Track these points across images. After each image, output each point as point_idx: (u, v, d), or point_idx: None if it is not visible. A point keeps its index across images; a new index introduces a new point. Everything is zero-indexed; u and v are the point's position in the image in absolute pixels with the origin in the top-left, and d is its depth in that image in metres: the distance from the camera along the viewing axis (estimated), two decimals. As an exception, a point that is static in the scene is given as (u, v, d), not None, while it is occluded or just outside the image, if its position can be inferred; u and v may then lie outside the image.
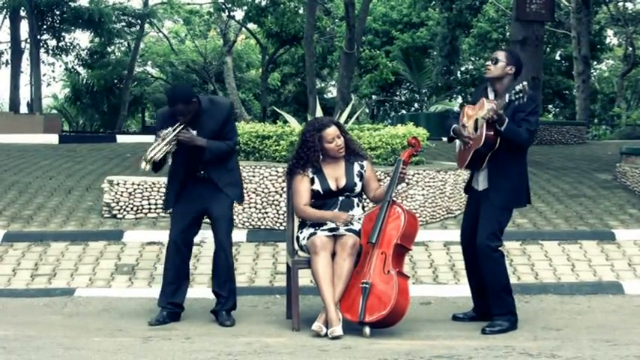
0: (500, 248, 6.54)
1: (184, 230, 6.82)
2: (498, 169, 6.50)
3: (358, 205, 6.70)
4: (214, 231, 6.84)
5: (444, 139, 6.93)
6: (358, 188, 6.69)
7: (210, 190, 6.75)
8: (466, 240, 6.80)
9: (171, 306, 6.83)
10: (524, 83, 6.21)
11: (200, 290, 7.85)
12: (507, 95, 6.24)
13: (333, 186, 6.63)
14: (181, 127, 6.60)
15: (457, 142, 6.75)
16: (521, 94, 6.17)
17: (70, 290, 8.03)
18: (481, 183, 6.62)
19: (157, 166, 6.71)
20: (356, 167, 6.72)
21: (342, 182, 6.65)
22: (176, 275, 6.85)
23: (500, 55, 6.65)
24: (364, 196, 6.84)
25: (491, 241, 6.47)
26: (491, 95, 6.63)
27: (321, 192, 6.62)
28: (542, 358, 5.43)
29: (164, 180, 9.87)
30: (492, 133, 6.35)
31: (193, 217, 6.84)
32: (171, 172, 6.89)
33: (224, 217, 6.80)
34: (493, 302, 6.53)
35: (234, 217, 9.36)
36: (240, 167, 9.46)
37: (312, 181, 6.65)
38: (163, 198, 7.17)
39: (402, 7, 41.02)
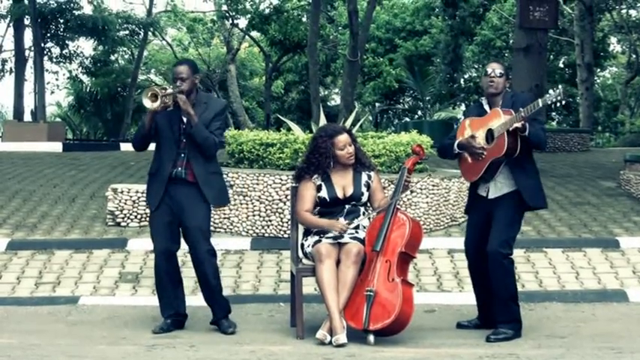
0: (510, 256, 6.55)
1: (168, 240, 6.76)
2: (521, 171, 6.52)
3: (364, 214, 6.70)
4: (188, 242, 6.78)
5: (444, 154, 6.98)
6: (365, 198, 6.69)
7: (188, 198, 6.68)
8: (472, 250, 6.78)
9: (176, 315, 6.83)
10: (560, 87, 6.27)
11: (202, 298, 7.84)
12: (541, 100, 6.28)
13: (340, 194, 6.63)
14: (180, 91, 6.61)
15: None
16: (559, 97, 6.22)
17: (74, 298, 8.03)
18: (492, 190, 6.59)
19: (145, 139, 6.74)
20: (364, 177, 6.72)
21: (350, 191, 6.65)
22: (172, 284, 6.82)
23: (501, 68, 6.67)
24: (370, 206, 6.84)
25: (503, 248, 6.47)
26: (487, 108, 6.66)
27: (328, 199, 6.62)
28: (546, 366, 5.43)
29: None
30: (512, 139, 6.37)
31: (173, 226, 6.78)
32: (153, 166, 6.82)
33: (198, 228, 6.70)
34: (499, 310, 6.52)
35: (238, 225, 9.38)
36: (244, 175, 9.55)
37: (320, 189, 6.65)
38: (145, 195, 7.14)
39: (406, 15, 41.06)
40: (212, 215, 7.53)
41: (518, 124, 6.27)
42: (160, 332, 6.67)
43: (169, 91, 6.58)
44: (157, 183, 6.78)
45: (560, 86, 6.34)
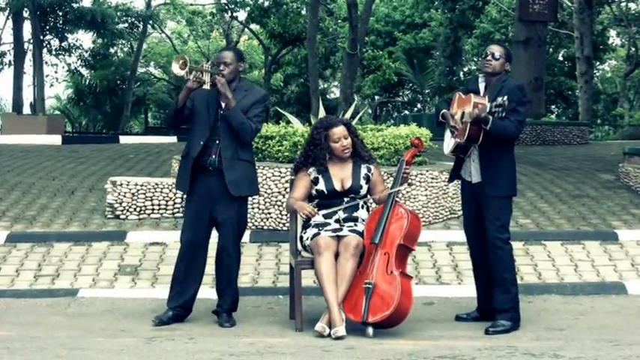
0: (509, 241, 6.59)
1: (198, 233, 6.77)
2: (490, 161, 6.57)
3: (363, 207, 6.70)
4: (219, 234, 6.81)
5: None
6: (364, 191, 6.69)
7: (219, 191, 6.66)
8: (472, 235, 6.83)
9: (179, 308, 6.81)
10: (505, 98, 6.25)
11: (204, 291, 7.81)
12: (489, 105, 6.31)
13: (338, 186, 6.63)
14: (219, 73, 6.60)
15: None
16: (500, 109, 6.25)
17: (73, 291, 8.03)
18: (474, 175, 6.65)
19: (178, 116, 6.71)
20: (363, 170, 6.73)
21: (348, 183, 6.65)
22: (187, 277, 6.80)
23: (499, 50, 6.71)
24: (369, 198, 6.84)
25: (501, 233, 6.53)
26: (481, 86, 6.70)
27: (326, 192, 6.63)
28: (545, 358, 5.43)
29: (167, 181, 9.95)
30: (476, 128, 6.42)
31: (205, 221, 6.77)
32: (185, 149, 6.82)
33: (229, 221, 6.72)
34: (499, 297, 6.53)
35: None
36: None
37: (317, 181, 6.66)
38: (175, 179, 7.10)
39: (405, 8, 41.07)
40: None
41: (474, 116, 6.34)
42: (160, 324, 6.66)
43: (206, 67, 6.60)
44: (185, 166, 6.78)
45: (504, 98, 6.31)
